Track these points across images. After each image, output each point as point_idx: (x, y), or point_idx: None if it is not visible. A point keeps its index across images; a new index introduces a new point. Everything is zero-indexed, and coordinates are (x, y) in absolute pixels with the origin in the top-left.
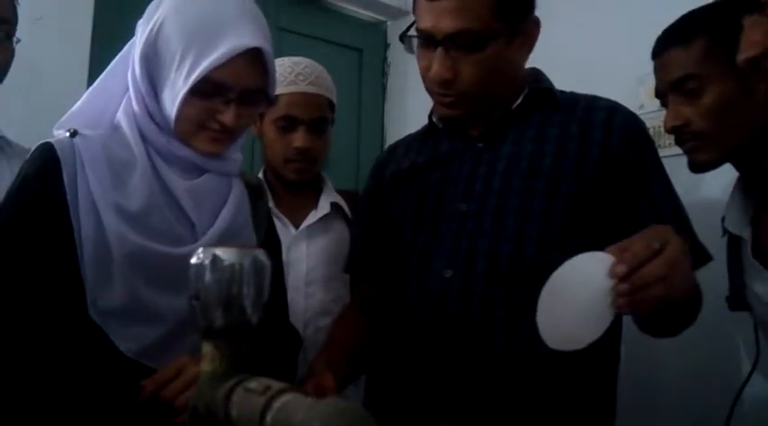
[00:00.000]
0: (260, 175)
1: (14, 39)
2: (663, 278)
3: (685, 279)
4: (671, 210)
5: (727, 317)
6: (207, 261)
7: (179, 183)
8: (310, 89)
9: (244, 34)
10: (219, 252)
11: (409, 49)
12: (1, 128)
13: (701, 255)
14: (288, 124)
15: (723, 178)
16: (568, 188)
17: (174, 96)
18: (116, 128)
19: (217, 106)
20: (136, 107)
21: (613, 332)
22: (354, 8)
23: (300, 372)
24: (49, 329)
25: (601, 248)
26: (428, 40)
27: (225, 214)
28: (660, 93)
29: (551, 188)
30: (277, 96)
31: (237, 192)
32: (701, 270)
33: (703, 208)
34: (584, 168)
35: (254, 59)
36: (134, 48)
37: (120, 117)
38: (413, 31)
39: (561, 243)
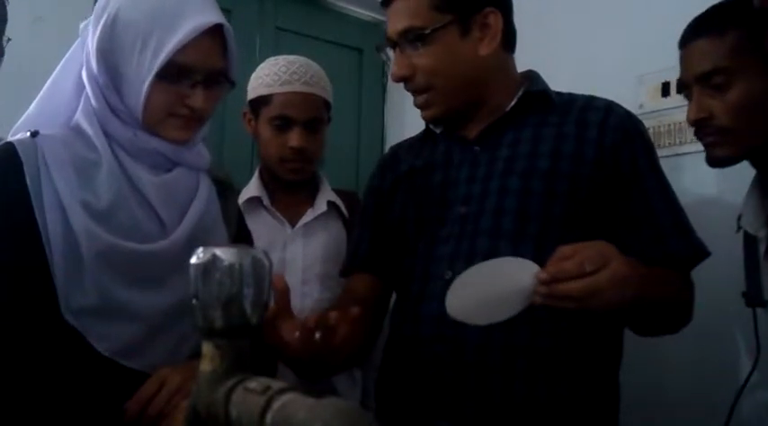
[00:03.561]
0: (256, 174)
1: (5, 38)
2: (576, 298)
3: (608, 302)
4: (665, 209)
5: (729, 316)
6: (207, 261)
7: (146, 179)
8: (305, 88)
9: (204, 12)
10: (219, 251)
11: (386, 56)
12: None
13: (698, 252)
14: (283, 124)
15: (725, 177)
16: (565, 188)
17: (139, 84)
18: (76, 128)
19: (183, 90)
20: (95, 104)
21: (615, 328)
22: (354, 8)
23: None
24: (22, 333)
25: None
26: (390, 45)
27: (194, 209)
28: (684, 84)
29: (548, 188)
30: (272, 95)
31: (205, 187)
32: (702, 271)
33: (706, 206)
34: (580, 168)
35: (216, 38)
36: (86, 47)
37: (79, 117)
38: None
39: (560, 242)
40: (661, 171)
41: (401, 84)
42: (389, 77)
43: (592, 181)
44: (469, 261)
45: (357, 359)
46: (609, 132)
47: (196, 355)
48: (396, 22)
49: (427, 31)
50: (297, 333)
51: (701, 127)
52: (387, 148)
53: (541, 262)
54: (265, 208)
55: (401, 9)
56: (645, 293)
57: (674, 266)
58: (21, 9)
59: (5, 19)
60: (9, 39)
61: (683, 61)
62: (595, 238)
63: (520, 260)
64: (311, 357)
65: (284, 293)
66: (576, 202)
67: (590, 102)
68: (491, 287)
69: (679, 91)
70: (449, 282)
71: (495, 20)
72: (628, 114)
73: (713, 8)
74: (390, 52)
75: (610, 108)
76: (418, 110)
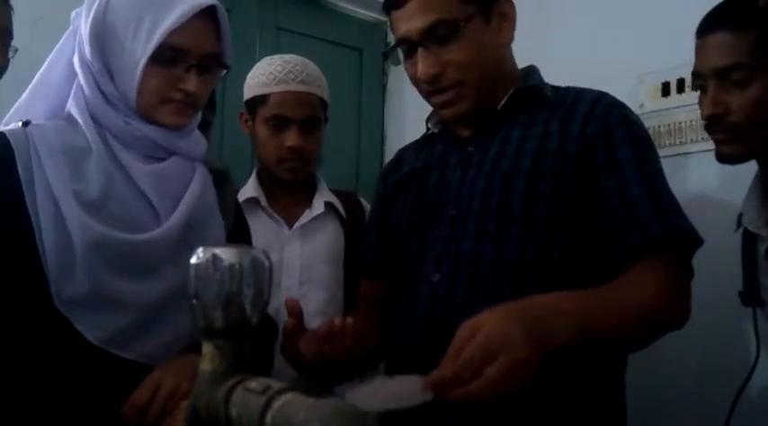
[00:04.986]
0: (254, 174)
1: (12, 50)
2: (463, 398)
3: (516, 386)
4: (645, 195)
5: (730, 316)
6: (207, 261)
7: (138, 167)
8: (301, 88)
9: None
10: (219, 251)
11: (396, 61)
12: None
13: (684, 234)
14: (280, 123)
15: (726, 177)
16: (547, 186)
17: (132, 68)
18: (68, 117)
19: (177, 74)
20: (87, 91)
21: None
22: (354, 8)
23: (294, 373)
24: (14, 323)
25: (586, 244)
26: (409, 47)
27: (188, 198)
28: (699, 74)
29: (530, 188)
30: (268, 95)
31: (201, 177)
32: (703, 270)
33: (706, 206)
34: (562, 162)
35: (209, 21)
36: (78, 34)
37: (71, 105)
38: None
39: (543, 242)
40: (649, 160)
41: (401, 85)
42: (417, 78)
43: (574, 176)
44: (456, 264)
45: (369, 362)
46: (591, 123)
47: (191, 346)
48: (418, 19)
49: (462, 23)
50: (311, 345)
51: (714, 122)
52: (387, 148)
53: (525, 264)
54: (263, 208)
55: (424, 5)
56: (591, 332)
57: (661, 252)
58: (21, 9)
59: (11, 33)
60: (16, 50)
61: (700, 52)
62: (581, 237)
63: (409, 378)
64: (325, 365)
65: (294, 309)
66: (559, 200)
67: (580, 95)
68: (387, 387)
69: (680, 90)
70: (436, 285)
71: (510, 8)
72: (614, 104)
73: (734, 1)
74: (401, 55)
75: (598, 100)
76: (418, 111)
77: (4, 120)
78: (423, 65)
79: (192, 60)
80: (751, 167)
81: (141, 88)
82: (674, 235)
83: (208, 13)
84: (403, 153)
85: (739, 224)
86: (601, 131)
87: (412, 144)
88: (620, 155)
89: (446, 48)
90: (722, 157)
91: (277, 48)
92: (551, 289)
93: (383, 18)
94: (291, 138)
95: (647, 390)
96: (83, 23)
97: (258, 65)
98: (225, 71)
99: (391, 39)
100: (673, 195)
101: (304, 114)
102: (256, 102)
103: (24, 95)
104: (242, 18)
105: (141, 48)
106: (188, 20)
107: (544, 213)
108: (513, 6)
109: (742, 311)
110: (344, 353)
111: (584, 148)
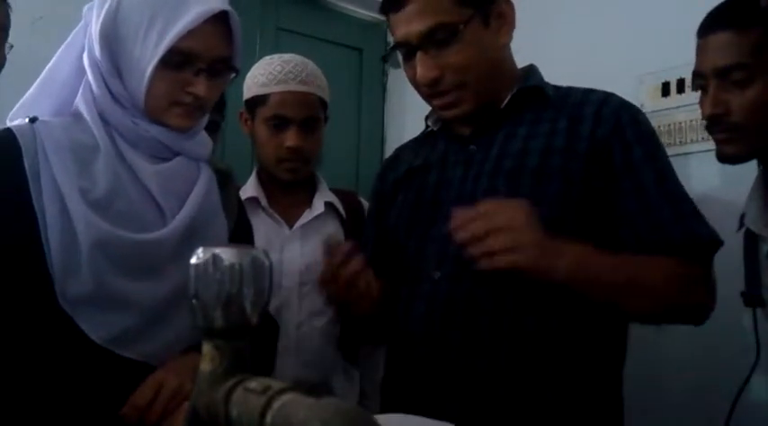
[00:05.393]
0: (254, 174)
1: (8, 45)
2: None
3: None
4: (662, 198)
5: (729, 316)
6: (207, 261)
7: (145, 167)
8: (301, 88)
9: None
10: (219, 251)
11: (396, 65)
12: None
13: (700, 239)
14: (279, 123)
15: (726, 177)
16: (555, 185)
17: (141, 70)
18: (76, 114)
19: (187, 78)
20: (96, 90)
21: (619, 331)
22: (354, 8)
23: (294, 373)
24: (18, 320)
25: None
26: (407, 50)
27: (193, 198)
28: (700, 74)
29: (536, 187)
30: (268, 95)
31: (206, 177)
32: None
33: (707, 206)
34: (572, 164)
35: (220, 26)
36: (88, 31)
37: (79, 103)
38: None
39: None
40: (660, 159)
41: (401, 85)
42: (416, 81)
43: (584, 177)
44: (457, 263)
45: (376, 335)
46: (602, 123)
47: (194, 347)
48: (417, 23)
49: (460, 26)
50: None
51: (715, 122)
52: (387, 148)
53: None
54: (263, 208)
55: (422, 9)
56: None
57: (679, 255)
58: (21, 9)
59: (5, 28)
60: (12, 46)
61: (701, 52)
62: (589, 236)
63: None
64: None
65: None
66: (568, 202)
67: (586, 95)
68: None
69: (680, 90)
70: (436, 283)
71: (509, 9)
72: (623, 104)
73: (736, 0)
74: (400, 58)
75: (605, 100)
76: (418, 111)
77: (9, 115)
78: (422, 68)
79: (201, 64)
80: (752, 167)
81: (150, 90)
82: (688, 238)
83: (219, 18)
84: (401, 151)
85: (741, 224)
86: (612, 132)
87: (410, 141)
88: (635, 155)
89: (445, 51)
90: (723, 157)
91: (277, 49)
92: (554, 287)
93: (383, 18)
94: (291, 138)
95: (647, 390)
96: (93, 21)
97: (257, 64)
98: (234, 74)
99: (391, 39)
100: (687, 195)
101: (303, 114)
102: (256, 102)
103: (31, 90)
104: (242, 18)
105: (151, 52)
106: (199, 24)
107: (550, 212)
108: (511, 6)
109: (742, 311)
110: (359, 299)
111: (597, 150)
